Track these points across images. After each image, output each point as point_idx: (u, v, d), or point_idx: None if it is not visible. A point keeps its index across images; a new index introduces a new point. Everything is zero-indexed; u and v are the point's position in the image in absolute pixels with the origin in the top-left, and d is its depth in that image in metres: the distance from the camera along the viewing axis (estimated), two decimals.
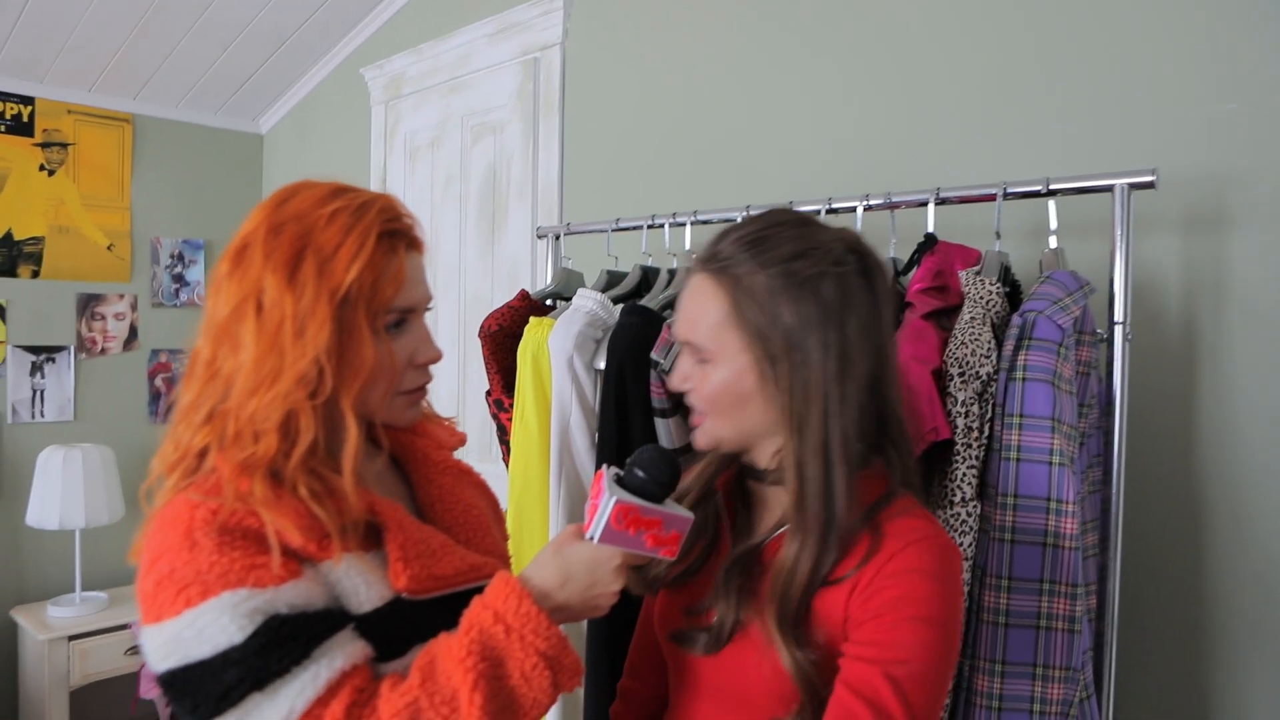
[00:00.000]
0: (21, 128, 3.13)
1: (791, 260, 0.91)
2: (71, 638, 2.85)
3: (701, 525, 1.01)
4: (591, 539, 0.88)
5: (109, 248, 3.32)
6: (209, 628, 0.79)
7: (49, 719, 2.80)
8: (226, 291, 0.89)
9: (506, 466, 1.72)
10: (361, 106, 3.15)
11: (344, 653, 0.82)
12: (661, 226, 1.70)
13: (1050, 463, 1.09)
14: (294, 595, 0.82)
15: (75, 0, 2.66)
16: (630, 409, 1.46)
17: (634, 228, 1.74)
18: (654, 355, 1.44)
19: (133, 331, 3.38)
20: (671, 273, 1.67)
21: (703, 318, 0.94)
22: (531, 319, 1.66)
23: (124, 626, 2.93)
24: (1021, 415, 1.10)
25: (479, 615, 0.85)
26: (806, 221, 0.95)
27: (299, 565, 0.84)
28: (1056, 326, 1.12)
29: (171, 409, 0.95)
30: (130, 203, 3.37)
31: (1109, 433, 1.24)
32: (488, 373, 1.73)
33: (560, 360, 1.55)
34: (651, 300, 1.59)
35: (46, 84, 3.14)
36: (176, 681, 0.81)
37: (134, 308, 3.38)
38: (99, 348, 3.30)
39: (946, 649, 0.85)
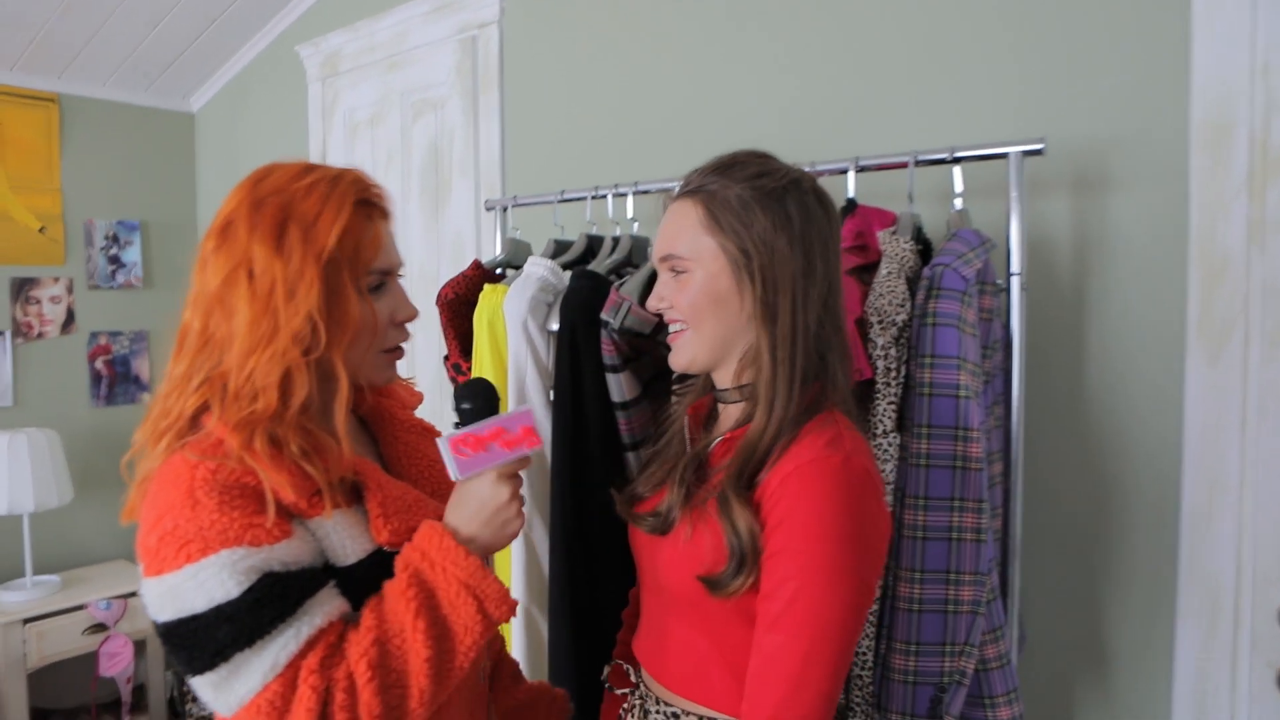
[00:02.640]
0: None
1: (759, 177, 1.05)
2: (26, 621, 2.87)
3: (671, 448, 1.16)
4: (454, 477, 0.99)
5: (41, 230, 3.28)
6: (208, 582, 0.86)
7: (7, 701, 2.82)
8: (214, 265, 0.96)
9: None
10: (297, 84, 3.17)
11: (323, 610, 0.91)
12: (604, 197, 1.82)
13: (958, 396, 1.24)
14: (286, 553, 0.90)
15: None
16: (583, 366, 1.58)
17: (579, 199, 1.85)
18: (604, 315, 1.56)
19: (70, 315, 3.36)
20: (615, 240, 1.79)
21: (681, 230, 1.07)
22: (486, 286, 1.76)
23: (80, 607, 2.95)
24: (932, 356, 1.26)
25: (410, 555, 0.95)
26: (765, 153, 1.10)
27: (290, 523, 0.92)
28: (961, 277, 1.27)
29: (129, 391, 1.02)
30: (60, 184, 3.33)
31: (1009, 371, 1.40)
32: (445, 339, 1.83)
33: (515, 324, 1.66)
34: (599, 265, 1.71)
35: None
36: (173, 634, 0.88)
37: (70, 290, 3.35)
38: (35, 331, 3.28)
39: (840, 568, 0.94)
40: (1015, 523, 1.40)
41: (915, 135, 1.77)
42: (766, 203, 1.03)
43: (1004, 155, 1.38)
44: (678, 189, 1.11)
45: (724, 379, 1.11)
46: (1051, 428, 1.64)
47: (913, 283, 1.37)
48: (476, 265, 1.87)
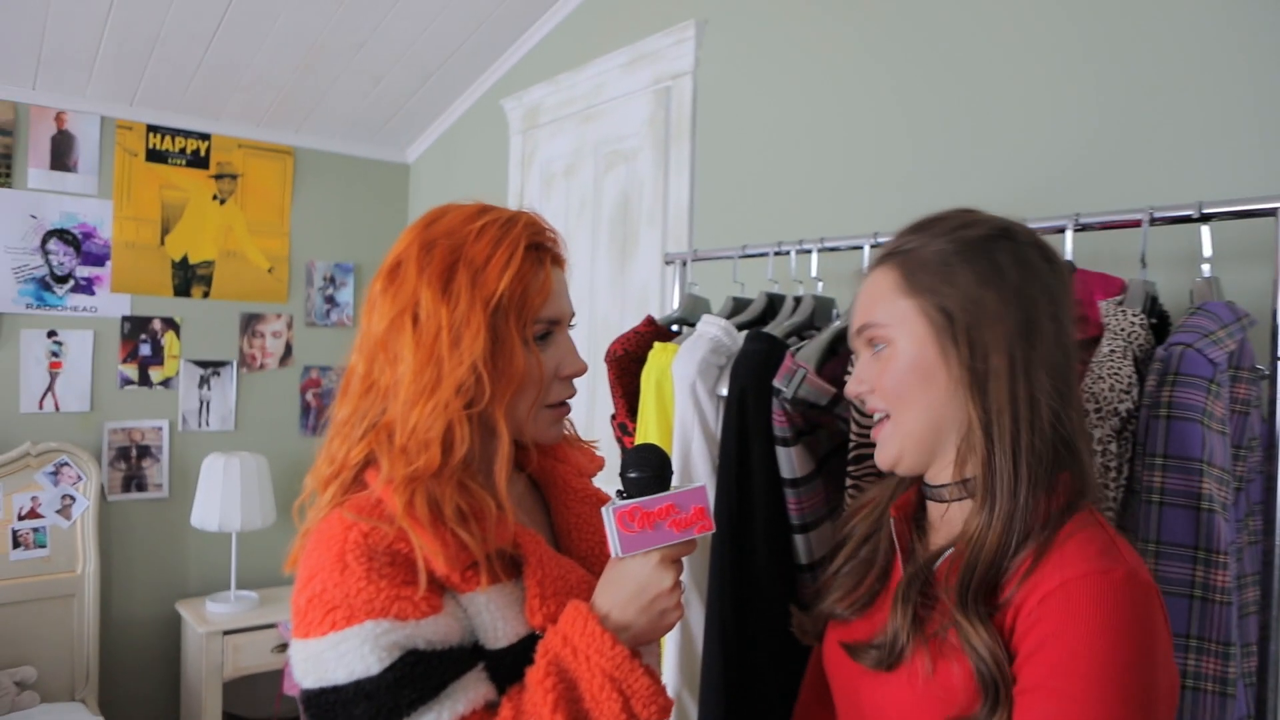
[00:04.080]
0: (199, 161, 3.42)
1: (961, 229, 0.91)
2: (226, 632, 3.06)
3: (871, 557, 1.00)
4: (616, 554, 0.88)
5: (269, 270, 3.57)
6: (349, 654, 0.82)
7: (205, 706, 3.01)
8: (382, 307, 0.93)
9: None
10: (501, 136, 3.28)
11: (467, 697, 0.84)
12: (788, 254, 1.70)
13: (1199, 508, 1.01)
14: (433, 631, 0.85)
15: (248, 45, 2.90)
16: (751, 437, 1.46)
17: (761, 254, 1.74)
18: (776, 383, 1.43)
19: (288, 349, 3.62)
20: (797, 300, 1.66)
21: (876, 297, 0.94)
22: (656, 344, 1.68)
23: (272, 625, 3.12)
24: (1165, 456, 1.04)
25: (551, 640, 0.87)
26: (971, 209, 0.96)
27: (440, 598, 0.87)
28: (1207, 361, 1.05)
29: (325, 424, 1.00)
30: (289, 229, 3.62)
31: (1270, 477, 1.14)
32: (612, 396, 1.76)
33: (683, 386, 1.56)
34: (776, 327, 1.58)
35: (221, 121, 3.42)
36: (314, 703, 0.84)
37: (289, 326, 3.62)
38: (258, 363, 3.55)
39: (1120, 709, 0.75)
40: (1275, 669, 1.12)
41: (1151, 189, 1.52)
42: (970, 254, 0.89)
43: (1270, 212, 1.14)
44: (873, 259, 0.98)
45: (939, 473, 0.94)
46: None
47: (1142, 364, 1.15)
48: (650, 321, 1.80)
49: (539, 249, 0.95)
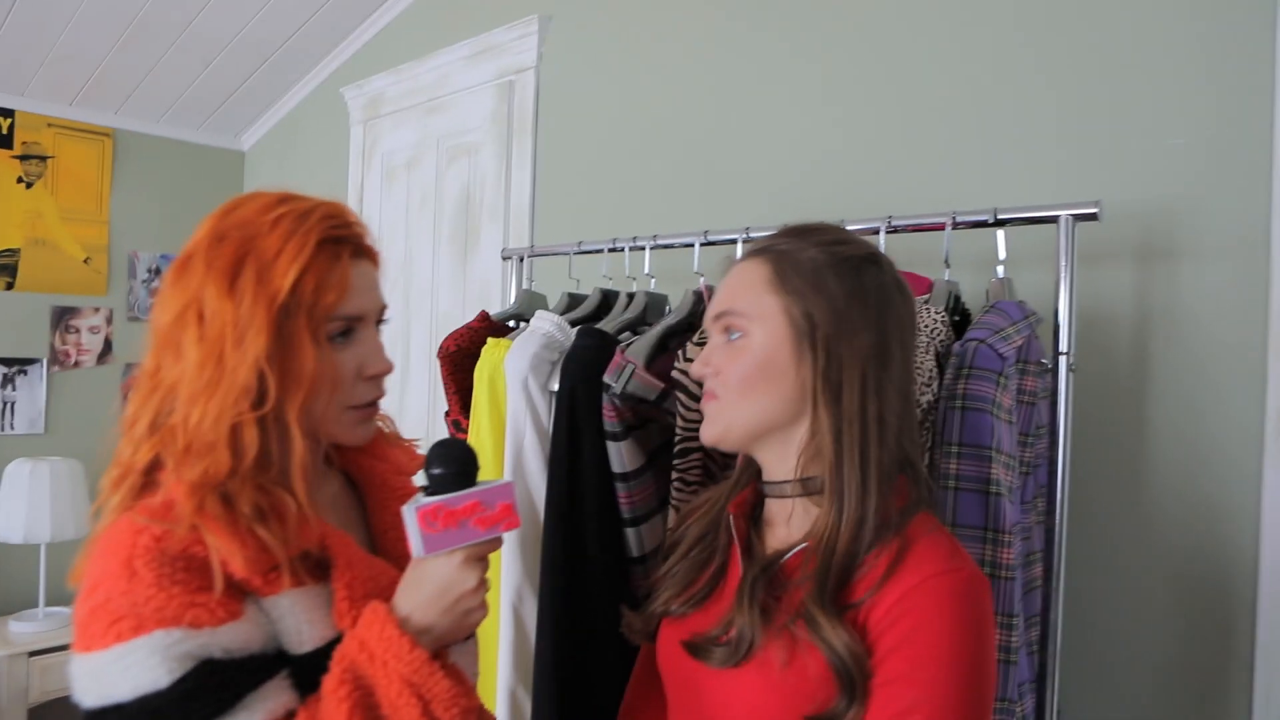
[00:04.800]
0: (1, 140, 3.13)
1: (836, 244, 0.95)
2: (32, 654, 2.82)
3: (705, 557, 1.01)
4: (417, 554, 0.86)
5: (85, 261, 3.31)
6: (134, 666, 0.77)
7: None
8: (169, 300, 0.88)
9: None
10: (341, 125, 3.16)
11: (266, 707, 0.80)
12: (622, 250, 1.71)
13: (987, 492, 1.08)
14: (231, 638, 0.80)
15: (57, 13, 2.68)
16: (582, 432, 1.46)
17: (596, 251, 1.75)
18: (606, 378, 1.44)
19: (107, 345, 3.37)
20: (630, 296, 1.67)
21: (742, 287, 0.95)
22: (489, 340, 1.66)
23: None
24: (960, 444, 1.10)
25: (348, 646, 0.83)
26: (841, 227, 1.02)
27: (241, 602, 0.82)
28: (997, 355, 1.12)
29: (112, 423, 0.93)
30: (109, 216, 3.37)
31: (1054, 462, 1.24)
32: (446, 393, 1.72)
33: (515, 382, 1.55)
34: (608, 324, 1.59)
35: (27, 96, 3.15)
36: None
37: (109, 321, 3.37)
38: (72, 360, 3.29)
39: (970, 694, 0.81)
40: (1055, 637, 1.22)
41: (955, 195, 1.62)
42: (842, 270, 0.92)
43: (1054, 218, 1.23)
44: (745, 251, 1.00)
45: (779, 469, 0.96)
46: (1102, 529, 1.45)
47: (943, 359, 1.22)
48: (484, 317, 1.77)
49: (338, 242, 0.90)
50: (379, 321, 0.97)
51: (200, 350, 0.85)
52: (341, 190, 3.11)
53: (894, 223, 1.38)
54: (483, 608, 0.89)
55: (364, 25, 3.02)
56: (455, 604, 0.86)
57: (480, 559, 0.89)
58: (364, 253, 0.94)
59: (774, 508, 0.99)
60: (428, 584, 0.86)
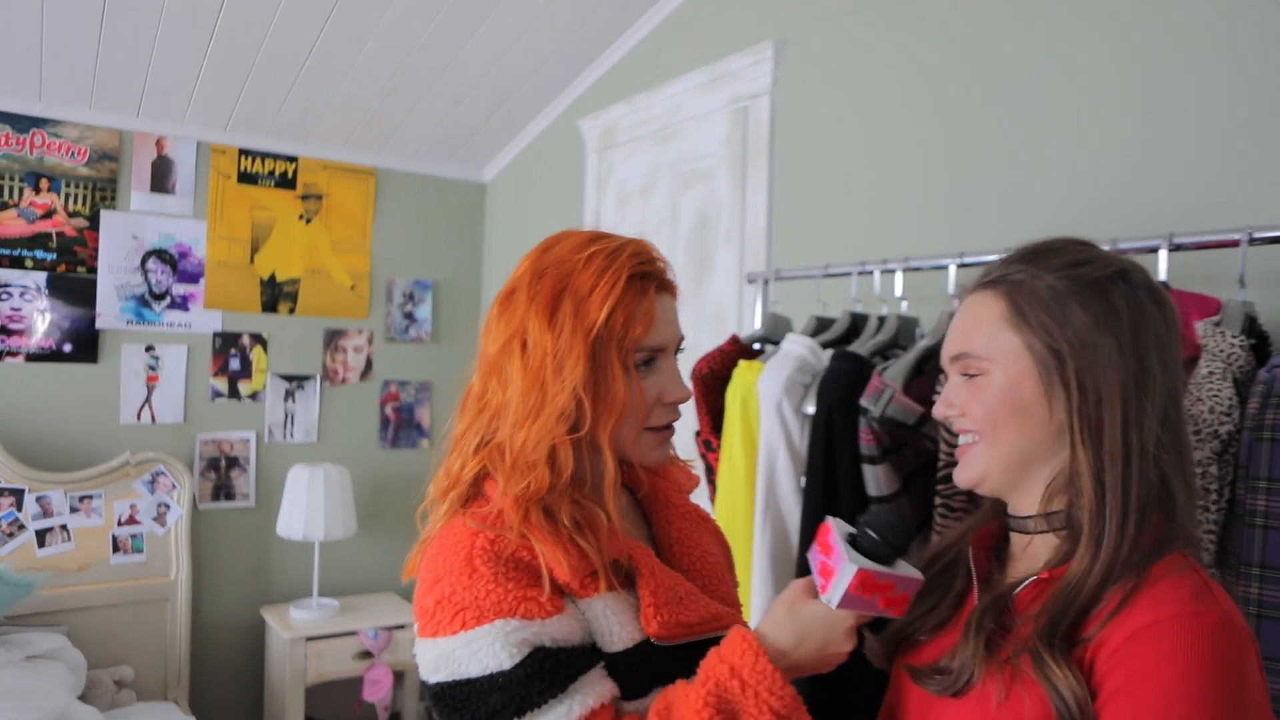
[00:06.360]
0: (286, 182, 3.55)
1: (1077, 266, 0.88)
2: (309, 638, 3.15)
3: (950, 582, 0.99)
4: (829, 603, 0.87)
5: (351, 287, 3.69)
6: (481, 651, 0.86)
7: (288, 709, 3.10)
8: (496, 331, 0.99)
9: (713, 506, 1.76)
10: (577, 155, 3.34)
11: (595, 691, 0.87)
12: (871, 273, 1.71)
13: None
14: (558, 629, 0.89)
15: (337, 69, 3.01)
16: (838, 455, 1.47)
17: (844, 274, 1.75)
18: (863, 402, 1.45)
19: (368, 364, 3.72)
20: (881, 319, 1.67)
21: (977, 325, 0.91)
22: (741, 362, 1.70)
23: (352, 633, 3.20)
24: (1269, 479, 1.02)
25: (716, 668, 0.87)
26: (1084, 240, 0.93)
27: (563, 600, 0.91)
28: None
29: (444, 437, 1.04)
30: (371, 246, 3.73)
31: None
32: (697, 413, 1.79)
33: (769, 404, 1.58)
34: (861, 346, 1.60)
35: (308, 143, 3.55)
36: (445, 696, 0.89)
37: (370, 342, 3.72)
38: (340, 377, 3.66)
39: None
40: None
41: (1247, 208, 1.50)
42: (1086, 295, 0.86)
43: None
44: (977, 278, 0.95)
45: (1024, 504, 0.93)
46: None
47: (1243, 386, 1.14)
48: (734, 340, 1.82)
49: (644, 278, 0.98)
50: (677, 350, 1.03)
51: (525, 378, 0.95)
52: (577, 217, 3.28)
53: (1176, 240, 1.30)
54: (835, 666, 0.92)
55: (599, 61, 3.18)
56: (827, 657, 0.90)
57: (860, 626, 0.92)
58: (666, 287, 1.01)
59: (1017, 542, 0.96)
60: (815, 629, 0.89)
